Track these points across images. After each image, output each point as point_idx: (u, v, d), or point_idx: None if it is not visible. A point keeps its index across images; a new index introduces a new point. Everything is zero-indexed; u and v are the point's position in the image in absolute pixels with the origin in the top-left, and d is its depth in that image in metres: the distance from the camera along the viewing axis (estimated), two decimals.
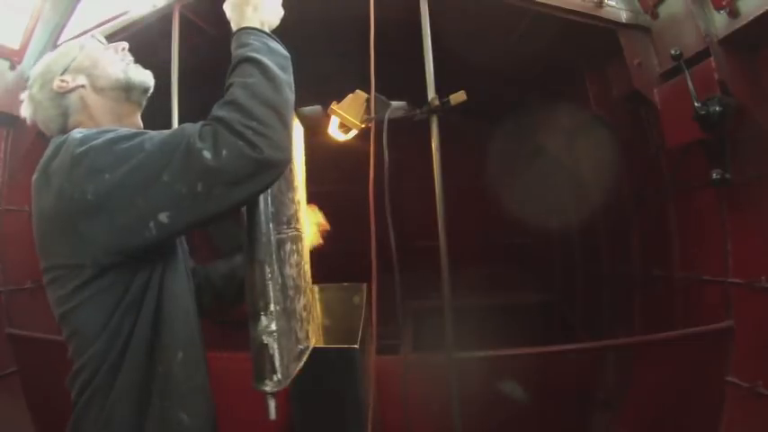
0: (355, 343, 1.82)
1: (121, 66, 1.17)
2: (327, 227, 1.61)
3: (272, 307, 1.03)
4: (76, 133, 0.97)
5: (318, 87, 2.80)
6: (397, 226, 1.89)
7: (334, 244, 1.74)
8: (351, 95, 2.23)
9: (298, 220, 1.39)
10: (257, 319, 1.02)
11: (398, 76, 2.41)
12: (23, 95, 1.18)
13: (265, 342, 1.01)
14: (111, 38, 2.99)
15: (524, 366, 2.60)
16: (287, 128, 0.90)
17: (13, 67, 3.12)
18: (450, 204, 2.36)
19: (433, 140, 2.33)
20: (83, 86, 1.11)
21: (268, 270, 1.03)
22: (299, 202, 1.43)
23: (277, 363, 1.01)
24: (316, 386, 1.76)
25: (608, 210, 3.91)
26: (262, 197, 1.04)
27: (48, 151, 1.00)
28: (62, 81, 1.11)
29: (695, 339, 2.59)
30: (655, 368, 2.62)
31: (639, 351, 2.74)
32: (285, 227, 1.20)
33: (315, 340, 1.50)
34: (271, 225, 1.06)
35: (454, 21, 2.88)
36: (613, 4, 2.75)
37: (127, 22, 2.99)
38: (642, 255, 3.52)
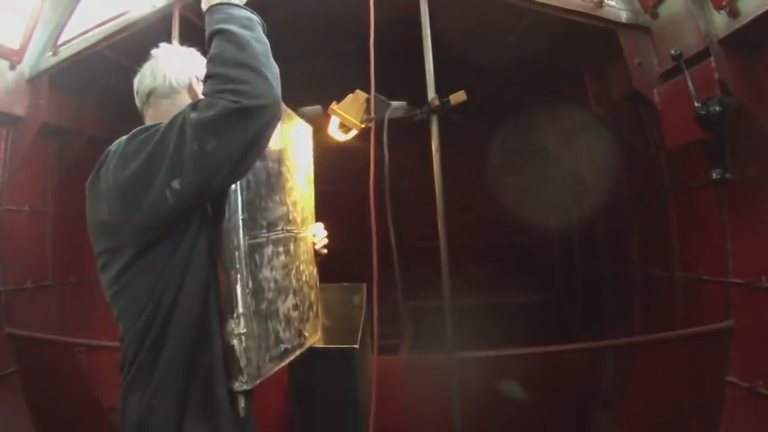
0: (355, 343, 1.83)
1: None
2: (324, 252, 1.64)
3: (239, 310, 1.07)
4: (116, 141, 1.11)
5: (318, 87, 2.80)
6: (396, 226, 1.89)
7: (334, 244, 1.74)
8: (351, 95, 2.23)
9: (290, 221, 1.39)
10: (226, 322, 1.07)
11: (398, 76, 2.41)
12: None
13: (232, 344, 1.07)
14: (111, 38, 3.03)
15: (524, 366, 2.60)
16: (260, 75, 0.98)
17: (13, 67, 3.12)
18: (450, 204, 2.35)
19: (433, 140, 2.33)
20: None
21: (234, 276, 1.08)
22: (293, 204, 1.43)
23: (243, 363, 1.06)
24: (316, 386, 1.77)
25: (608, 210, 3.91)
26: (229, 205, 1.10)
27: (96, 165, 1.12)
28: None
29: (695, 339, 2.59)
30: (655, 368, 2.62)
31: (639, 351, 2.74)
32: (265, 231, 1.22)
33: (318, 337, 1.51)
34: (241, 232, 1.10)
35: (454, 20, 2.88)
36: (613, 4, 2.75)
37: (127, 22, 2.99)
38: (642, 255, 3.52)
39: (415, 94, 2.37)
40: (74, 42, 3.19)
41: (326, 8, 2.92)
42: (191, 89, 1.25)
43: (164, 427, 1.04)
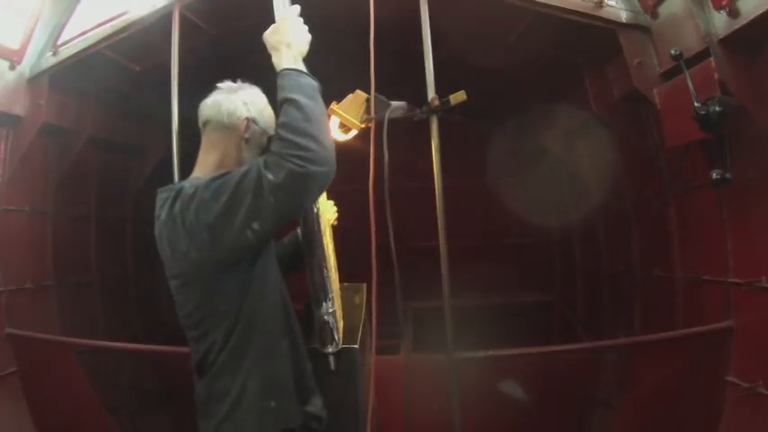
0: (355, 343, 1.82)
1: None
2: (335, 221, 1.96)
3: (331, 294, 1.47)
4: (187, 183, 1.36)
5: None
6: (396, 226, 1.89)
7: (335, 244, 1.74)
8: (351, 95, 2.23)
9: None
10: (320, 304, 1.45)
11: (398, 76, 2.41)
12: None
13: (326, 320, 1.47)
14: (111, 38, 3.03)
15: (524, 366, 2.60)
16: (322, 144, 1.22)
17: (12, 67, 3.12)
18: (450, 204, 2.36)
19: (432, 140, 2.33)
20: None
21: (324, 272, 1.47)
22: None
23: (335, 333, 1.49)
24: (315, 386, 1.76)
25: (608, 210, 3.91)
26: (315, 219, 1.47)
27: (168, 201, 1.35)
28: None
29: (695, 339, 2.58)
30: (655, 368, 2.61)
31: (639, 351, 2.74)
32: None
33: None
34: (322, 239, 1.48)
35: (454, 21, 2.88)
36: (613, 4, 2.75)
37: (127, 22, 2.98)
38: (642, 255, 3.52)
39: (415, 94, 2.37)
40: (74, 42, 3.18)
41: (327, 7, 2.92)
42: (240, 130, 1.45)
43: (253, 401, 1.33)
